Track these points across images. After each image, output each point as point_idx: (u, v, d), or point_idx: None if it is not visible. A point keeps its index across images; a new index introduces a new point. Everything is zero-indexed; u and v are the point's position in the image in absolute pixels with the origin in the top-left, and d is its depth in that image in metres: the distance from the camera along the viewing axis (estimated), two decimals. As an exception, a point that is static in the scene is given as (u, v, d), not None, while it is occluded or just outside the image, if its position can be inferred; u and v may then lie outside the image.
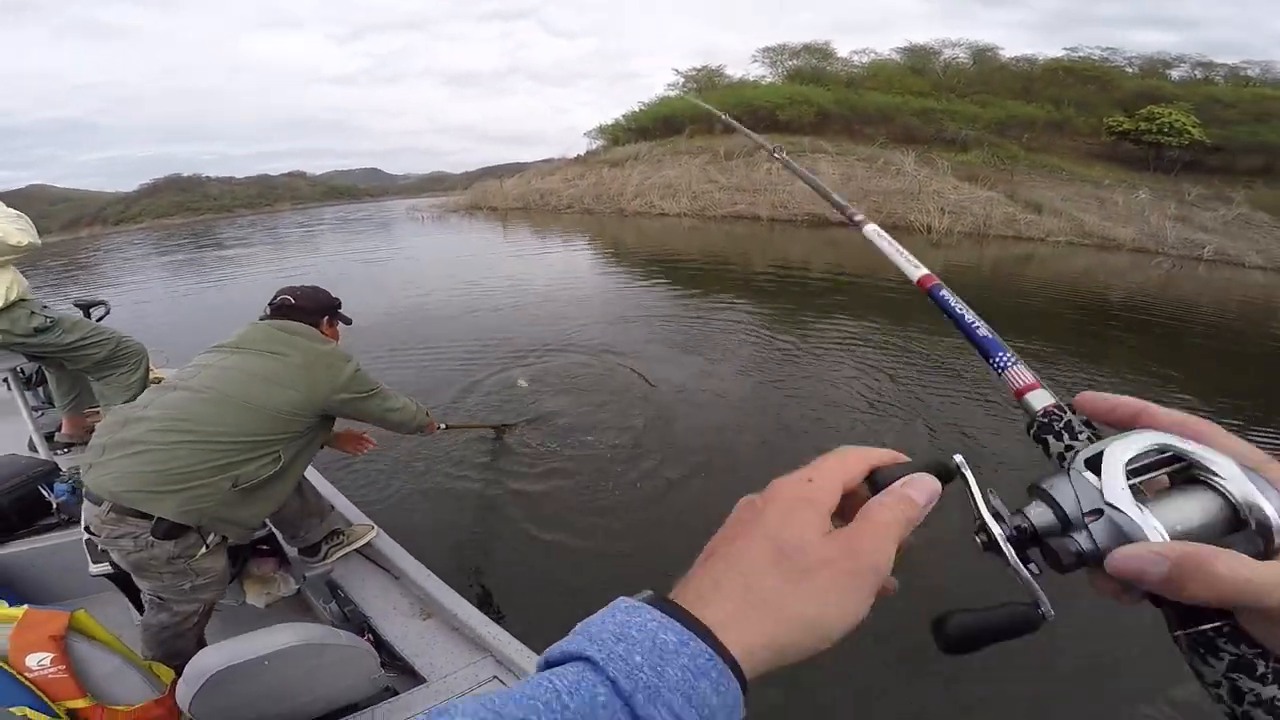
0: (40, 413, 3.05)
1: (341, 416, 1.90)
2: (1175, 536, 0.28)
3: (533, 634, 1.74)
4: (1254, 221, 16.15)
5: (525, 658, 1.65)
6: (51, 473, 2.29)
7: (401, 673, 1.76)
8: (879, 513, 0.33)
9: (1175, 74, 24.39)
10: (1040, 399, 0.37)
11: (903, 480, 0.34)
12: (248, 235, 22.10)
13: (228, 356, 1.71)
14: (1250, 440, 0.30)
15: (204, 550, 1.57)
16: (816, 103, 24.04)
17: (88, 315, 3.21)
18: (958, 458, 0.35)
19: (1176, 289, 10.89)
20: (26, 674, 1.19)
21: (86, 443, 2.78)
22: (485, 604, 2.46)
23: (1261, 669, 0.27)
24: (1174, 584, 0.27)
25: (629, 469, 3.60)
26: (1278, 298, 10.72)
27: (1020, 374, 0.39)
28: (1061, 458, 0.34)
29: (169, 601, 1.61)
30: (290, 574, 2.14)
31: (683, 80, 31.10)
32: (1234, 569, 0.26)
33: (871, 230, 0.61)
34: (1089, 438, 0.34)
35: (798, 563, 0.30)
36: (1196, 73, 24.29)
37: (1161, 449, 0.31)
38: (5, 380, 2.72)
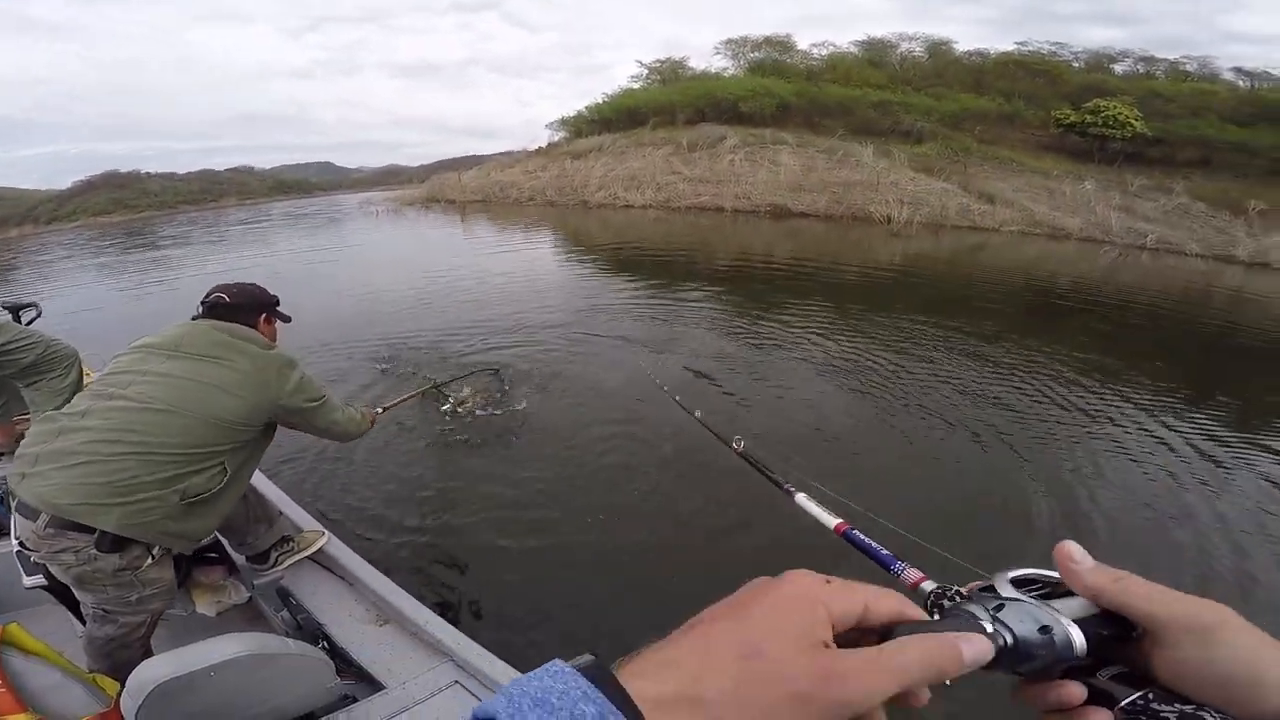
0: (-34, 421, 2.88)
1: (285, 425, 1.82)
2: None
3: (493, 637, 1.72)
4: (1192, 211, 16.93)
5: (486, 661, 1.63)
6: (-21, 484, 2.17)
7: (359, 680, 1.72)
8: (903, 645, 0.29)
9: (1119, 68, 25.32)
10: (930, 584, 0.46)
11: (959, 632, 0.31)
12: (187, 233, 21.14)
13: (166, 362, 1.61)
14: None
15: (150, 561, 1.51)
16: (778, 95, 24.20)
17: (17, 319, 3.03)
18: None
19: (1121, 276, 11.35)
20: (-46, 693, 1.14)
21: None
22: (443, 608, 2.42)
23: (1210, 718, 0.30)
24: (1106, 575, 0.35)
25: (589, 468, 3.60)
26: (1217, 284, 11.28)
27: (913, 573, 0.52)
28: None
29: (114, 614, 1.55)
30: (241, 581, 2.08)
31: (646, 72, 30.98)
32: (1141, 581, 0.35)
33: (801, 498, 0.83)
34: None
35: (752, 669, 0.27)
36: (1139, 67, 25.23)
37: (1030, 578, 0.39)
38: (-74, 388, 2.57)
